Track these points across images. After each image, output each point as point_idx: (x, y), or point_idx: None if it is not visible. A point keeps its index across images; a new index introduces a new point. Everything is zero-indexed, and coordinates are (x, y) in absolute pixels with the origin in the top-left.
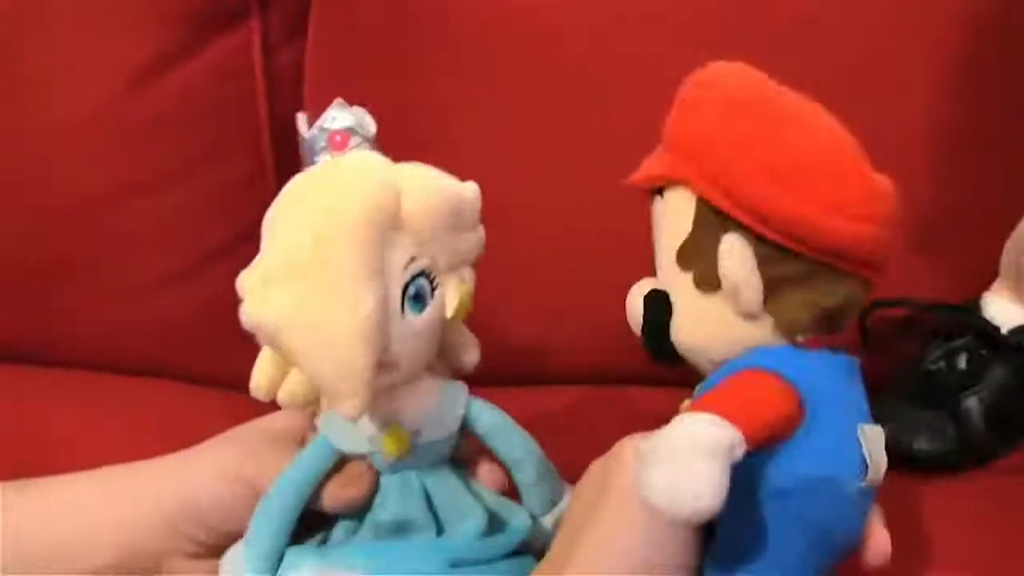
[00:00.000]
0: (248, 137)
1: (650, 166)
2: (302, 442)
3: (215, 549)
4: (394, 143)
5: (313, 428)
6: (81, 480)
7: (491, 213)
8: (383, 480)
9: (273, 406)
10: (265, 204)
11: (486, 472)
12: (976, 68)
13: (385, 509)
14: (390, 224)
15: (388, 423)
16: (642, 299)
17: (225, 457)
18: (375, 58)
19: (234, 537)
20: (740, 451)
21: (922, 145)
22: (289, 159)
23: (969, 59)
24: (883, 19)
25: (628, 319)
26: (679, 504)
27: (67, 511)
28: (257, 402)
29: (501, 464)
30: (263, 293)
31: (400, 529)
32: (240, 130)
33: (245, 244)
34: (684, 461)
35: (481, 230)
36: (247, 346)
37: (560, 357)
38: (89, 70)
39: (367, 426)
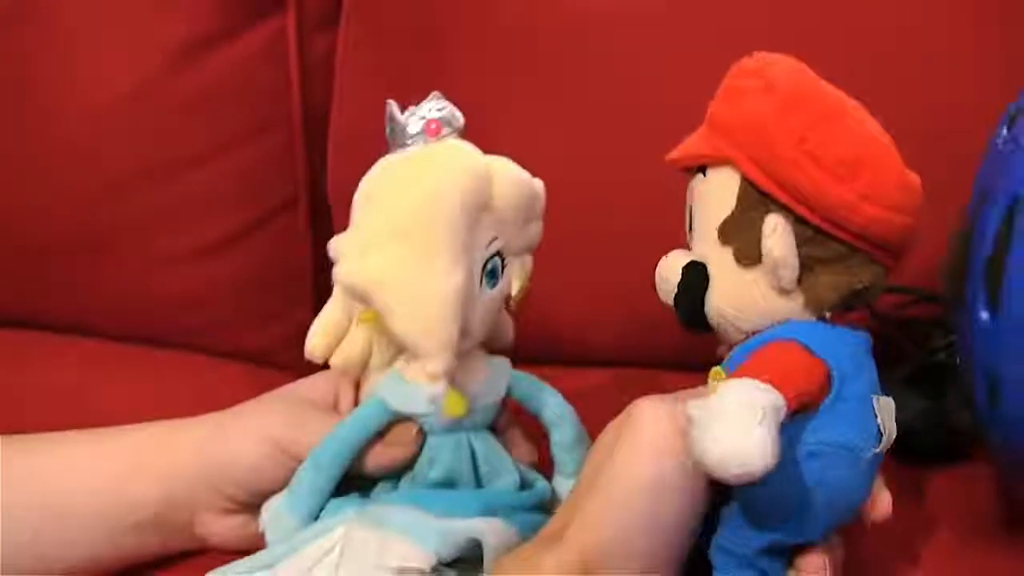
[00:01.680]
0: (280, 120)
1: (695, 145)
2: (334, 409)
3: (247, 507)
4: None
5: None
6: (128, 431)
7: None
8: (435, 440)
9: (297, 374)
10: (295, 183)
11: (520, 443)
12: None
13: (436, 466)
14: (482, 206)
15: (450, 387)
16: (679, 269)
17: (267, 422)
18: (406, 49)
19: (267, 496)
20: (783, 416)
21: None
22: (318, 143)
23: None
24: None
25: (658, 288)
26: (737, 464)
27: (111, 458)
28: (278, 374)
29: (541, 426)
30: (362, 255)
31: (447, 484)
32: (273, 113)
33: (274, 220)
34: (740, 424)
35: (540, 224)
36: (274, 320)
37: (595, 338)
38: (131, 49)
39: (429, 388)
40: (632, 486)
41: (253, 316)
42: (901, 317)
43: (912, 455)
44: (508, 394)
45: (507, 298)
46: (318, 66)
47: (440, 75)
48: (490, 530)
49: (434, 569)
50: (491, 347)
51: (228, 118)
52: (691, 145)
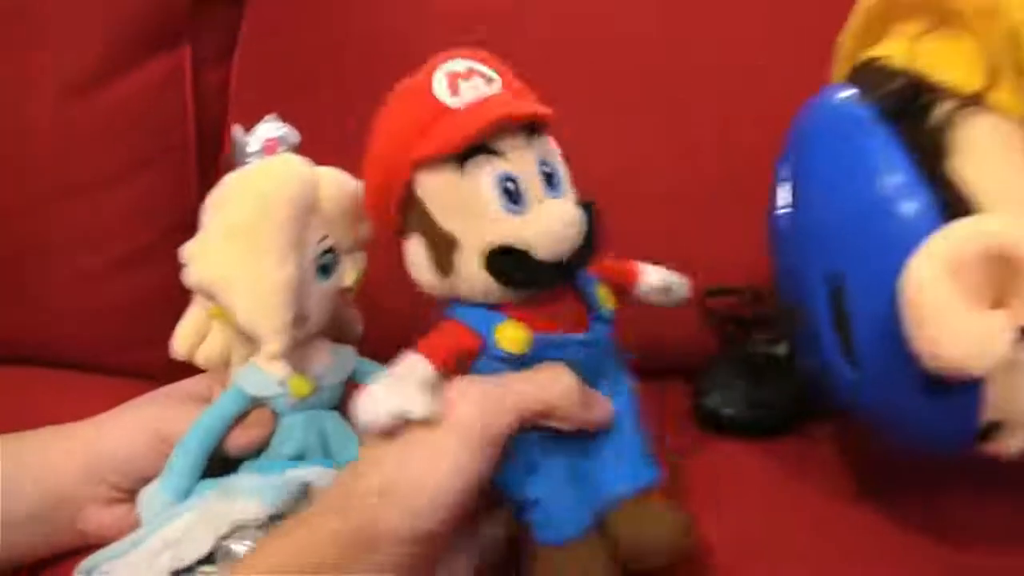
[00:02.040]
0: (176, 149)
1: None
2: (210, 401)
3: (131, 495)
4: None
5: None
6: (10, 437)
7: None
8: (286, 420)
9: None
10: (189, 210)
11: None
12: None
13: (289, 443)
14: (309, 208)
15: (296, 371)
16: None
17: (146, 414)
18: (296, 81)
19: (148, 483)
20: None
21: None
22: (212, 170)
23: None
24: None
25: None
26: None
27: None
28: None
29: None
30: (204, 256)
31: (298, 458)
32: (169, 142)
33: (169, 245)
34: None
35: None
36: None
37: None
38: (38, 80)
39: (278, 373)
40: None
41: (150, 335)
42: (733, 315)
43: (739, 432)
44: (355, 379)
45: (346, 290)
46: (213, 97)
47: (327, 106)
48: (320, 474)
49: (273, 518)
50: (340, 337)
51: (126, 147)
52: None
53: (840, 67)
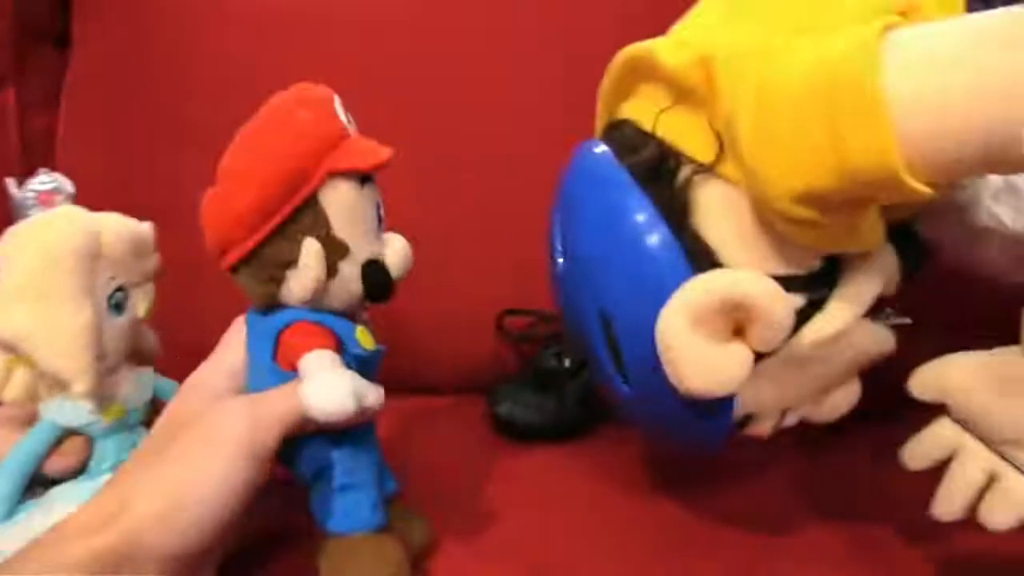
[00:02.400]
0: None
1: None
2: (29, 423)
3: None
4: (132, 203)
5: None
6: None
7: None
8: (101, 443)
9: None
10: None
11: None
12: None
13: (105, 462)
14: (94, 255)
15: (105, 399)
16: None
17: None
18: (123, 124)
19: None
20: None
21: None
22: None
23: None
24: None
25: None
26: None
27: None
28: None
29: None
30: (3, 312)
31: None
32: None
33: None
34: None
35: (157, 256)
36: None
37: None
38: None
39: (88, 403)
40: (200, 479)
41: None
42: (526, 334)
43: (528, 437)
44: (158, 396)
45: (139, 319)
46: (39, 141)
47: (152, 148)
48: None
49: None
50: (140, 359)
51: None
52: None
53: (601, 117)
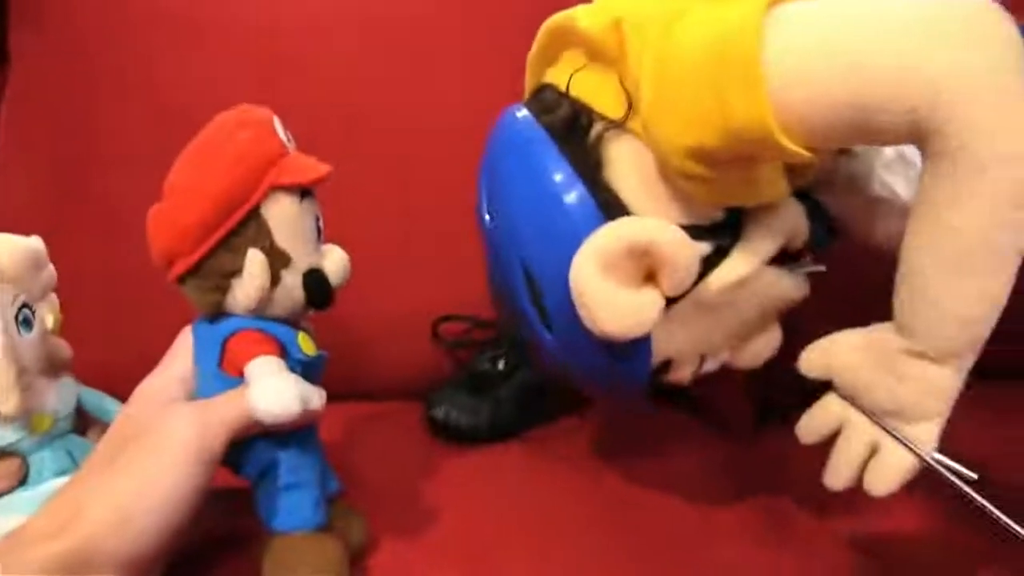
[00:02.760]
0: None
1: None
2: None
3: None
4: (69, 218)
5: None
6: None
7: None
8: (37, 456)
9: None
10: None
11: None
12: None
13: (45, 472)
14: None
15: (31, 412)
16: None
17: None
18: (60, 141)
19: None
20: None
21: None
22: None
23: None
24: None
25: None
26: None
27: None
28: None
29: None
30: None
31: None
32: None
33: None
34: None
35: (51, 268)
36: None
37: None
38: None
39: (15, 420)
40: (149, 490)
41: None
42: (461, 340)
43: (464, 439)
44: (81, 404)
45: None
46: None
47: (94, 162)
48: None
49: None
50: (56, 367)
51: None
52: None
53: (529, 83)
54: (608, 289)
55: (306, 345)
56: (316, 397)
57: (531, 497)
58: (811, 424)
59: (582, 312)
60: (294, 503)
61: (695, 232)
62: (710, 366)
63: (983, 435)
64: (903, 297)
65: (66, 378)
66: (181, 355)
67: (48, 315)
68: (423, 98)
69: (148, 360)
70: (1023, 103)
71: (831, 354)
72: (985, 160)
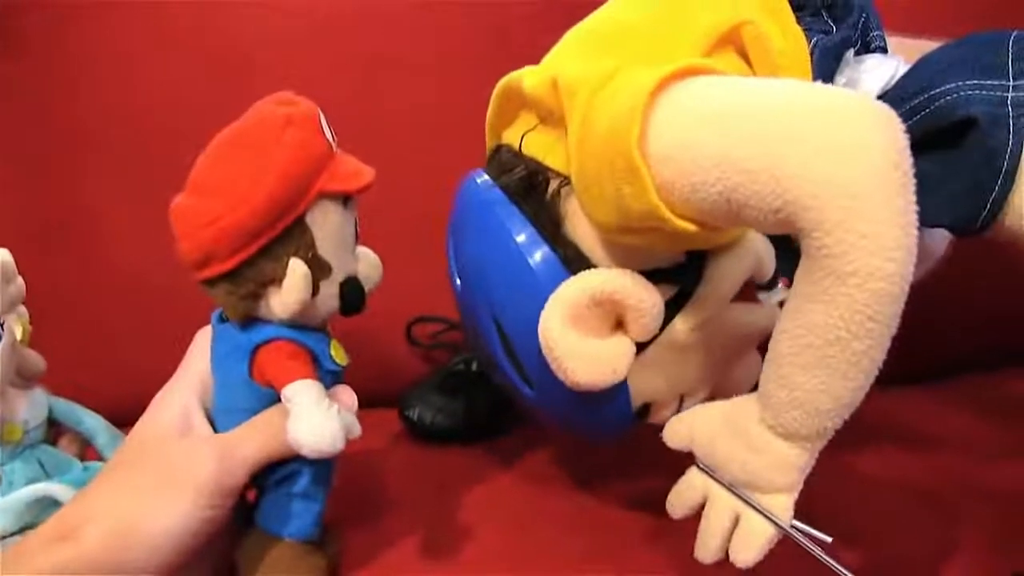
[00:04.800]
0: None
1: None
2: None
3: None
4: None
5: None
6: None
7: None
8: (7, 466)
9: None
10: None
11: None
12: None
13: (16, 482)
14: None
15: (2, 423)
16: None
17: None
18: (37, 161)
19: None
20: None
21: None
22: None
23: None
24: None
25: None
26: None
27: None
28: None
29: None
30: None
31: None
32: None
33: None
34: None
35: (20, 280)
36: None
37: None
38: None
39: None
40: (150, 524)
41: None
42: (435, 341)
43: (439, 439)
44: (52, 414)
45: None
46: None
47: (65, 186)
48: (60, 490)
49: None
50: (27, 379)
51: None
52: None
53: (489, 143)
54: (576, 341)
55: (338, 354)
56: (357, 426)
57: (506, 497)
58: (678, 500)
59: (554, 366)
60: (300, 511)
61: (657, 276)
62: (691, 404)
63: None
64: (765, 370)
65: (37, 389)
66: (199, 359)
67: (17, 326)
68: (396, 103)
69: (124, 373)
70: (888, 216)
71: (692, 425)
72: (846, 271)
